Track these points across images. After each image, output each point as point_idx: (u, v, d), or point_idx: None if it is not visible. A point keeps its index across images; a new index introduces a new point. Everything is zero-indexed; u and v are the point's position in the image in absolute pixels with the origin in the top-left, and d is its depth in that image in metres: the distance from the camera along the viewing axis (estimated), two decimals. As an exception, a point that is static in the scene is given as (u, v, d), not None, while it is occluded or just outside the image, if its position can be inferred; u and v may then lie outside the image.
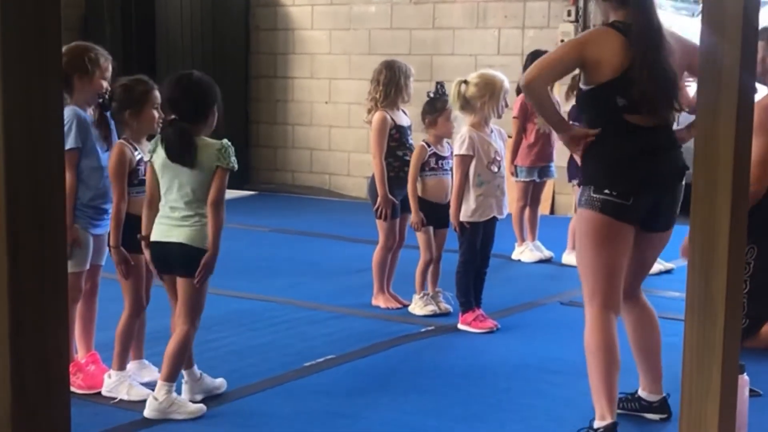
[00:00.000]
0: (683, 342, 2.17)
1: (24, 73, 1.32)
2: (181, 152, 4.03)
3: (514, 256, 7.41)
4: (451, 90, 5.52)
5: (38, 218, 1.37)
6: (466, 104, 5.47)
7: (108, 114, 4.36)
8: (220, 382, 4.37)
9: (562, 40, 9.20)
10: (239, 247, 7.34)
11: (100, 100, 4.34)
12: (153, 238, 4.10)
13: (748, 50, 2.49)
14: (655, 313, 4.09)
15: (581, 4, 9.19)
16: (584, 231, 3.90)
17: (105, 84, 4.39)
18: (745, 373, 3.81)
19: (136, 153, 4.31)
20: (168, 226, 4.07)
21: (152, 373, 4.46)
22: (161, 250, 4.10)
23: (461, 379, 4.66)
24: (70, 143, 4.21)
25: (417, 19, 10.02)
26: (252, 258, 7.38)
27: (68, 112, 4.26)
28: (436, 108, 5.77)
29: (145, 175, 4.29)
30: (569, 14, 9.23)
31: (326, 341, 5.25)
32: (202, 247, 4.04)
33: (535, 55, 7.22)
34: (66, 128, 4.22)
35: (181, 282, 4.10)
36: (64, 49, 4.31)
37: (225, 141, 4.10)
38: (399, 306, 5.95)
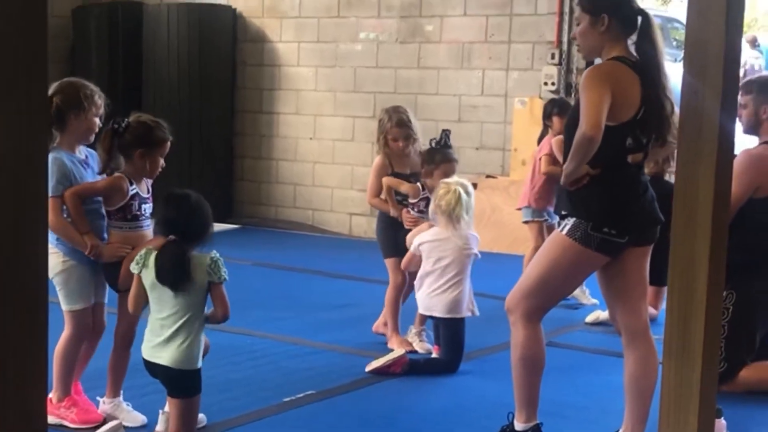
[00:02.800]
0: (661, 385, 2.20)
1: (7, 122, 1.32)
2: (175, 279, 3.89)
3: None
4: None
5: (19, 263, 1.39)
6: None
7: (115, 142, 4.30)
8: (201, 417, 4.37)
9: (545, 83, 9.31)
10: (221, 280, 7.32)
11: (116, 126, 4.31)
12: (143, 354, 4.01)
13: (729, 96, 2.53)
14: (657, 355, 4.05)
15: (565, 47, 9.30)
16: (560, 258, 3.96)
17: (97, 121, 4.38)
18: (722, 418, 3.84)
19: (131, 188, 4.32)
20: (156, 345, 3.95)
21: (125, 416, 4.43)
22: (151, 368, 4.02)
23: (441, 417, 4.66)
24: (51, 192, 4.17)
25: (402, 59, 10.10)
26: (233, 291, 7.31)
27: (50, 158, 4.23)
28: (434, 160, 5.71)
29: (137, 210, 4.31)
30: (553, 57, 9.33)
31: (306, 376, 5.25)
32: (189, 368, 3.96)
33: (554, 103, 7.30)
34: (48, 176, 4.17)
35: (171, 401, 4.03)
36: (57, 85, 4.29)
37: (214, 254, 3.96)
38: (413, 350, 5.76)
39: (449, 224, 5.42)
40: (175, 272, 3.91)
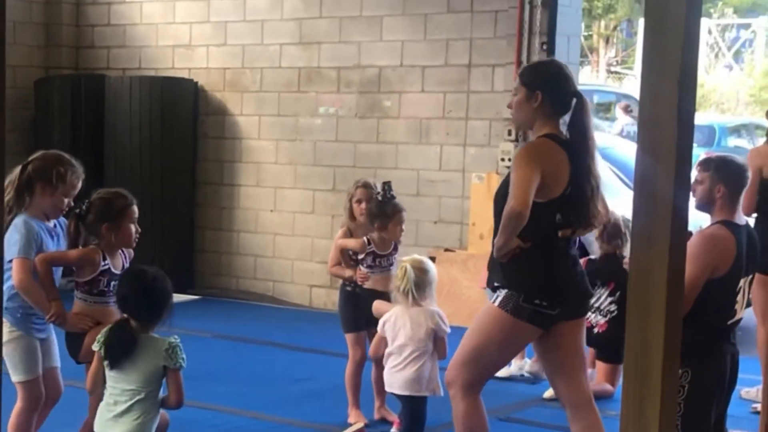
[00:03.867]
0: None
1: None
2: (119, 357, 3.87)
3: None
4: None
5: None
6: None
7: (81, 224, 4.34)
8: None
9: (502, 159, 9.48)
10: (181, 353, 7.29)
11: (77, 211, 4.34)
12: (95, 429, 3.97)
13: (682, 176, 2.61)
14: (603, 427, 4.14)
15: (522, 124, 9.49)
16: (493, 329, 4.06)
17: (67, 201, 4.40)
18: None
19: (104, 263, 4.34)
20: (110, 420, 3.91)
21: None
22: None
23: (401, 493, 4.68)
24: (20, 253, 4.21)
25: (362, 133, 10.24)
26: (193, 364, 7.26)
27: (19, 221, 4.26)
28: (386, 213, 5.77)
29: (105, 286, 4.33)
30: (509, 134, 9.50)
31: (267, 452, 5.26)
32: None
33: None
34: (17, 237, 4.22)
35: None
36: (40, 153, 4.37)
37: (174, 339, 3.93)
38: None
39: (404, 301, 5.47)
40: (120, 352, 3.86)
